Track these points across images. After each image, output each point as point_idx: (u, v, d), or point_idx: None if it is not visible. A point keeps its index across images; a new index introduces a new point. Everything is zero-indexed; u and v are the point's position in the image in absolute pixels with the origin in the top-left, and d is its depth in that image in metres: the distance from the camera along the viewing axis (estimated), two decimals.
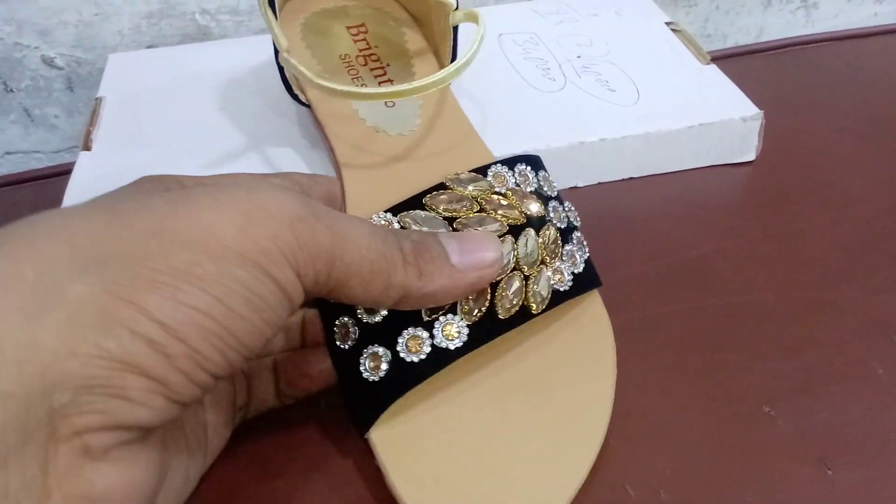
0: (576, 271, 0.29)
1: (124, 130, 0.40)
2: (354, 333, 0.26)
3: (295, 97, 0.37)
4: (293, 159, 0.38)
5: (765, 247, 0.36)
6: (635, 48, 0.45)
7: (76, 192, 0.37)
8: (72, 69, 0.50)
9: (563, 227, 0.29)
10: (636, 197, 0.39)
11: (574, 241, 0.30)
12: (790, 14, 0.60)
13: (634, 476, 0.26)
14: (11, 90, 0.50)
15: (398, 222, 0.27)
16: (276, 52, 0.35)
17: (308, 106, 0.37)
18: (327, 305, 0.27)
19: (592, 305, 0.30)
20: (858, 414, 0.28)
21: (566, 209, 0.30)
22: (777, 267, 0.35)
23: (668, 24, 0.47)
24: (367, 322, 0.26)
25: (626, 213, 0.38)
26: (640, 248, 0.36)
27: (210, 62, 0.45)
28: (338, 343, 0.26)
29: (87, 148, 0.39)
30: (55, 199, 0.36)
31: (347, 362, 0.26)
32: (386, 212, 0.27)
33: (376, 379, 0.25)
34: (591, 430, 0.26)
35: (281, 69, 0.36)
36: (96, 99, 0.43)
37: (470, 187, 0.28)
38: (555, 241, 0.28)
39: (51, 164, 0.53)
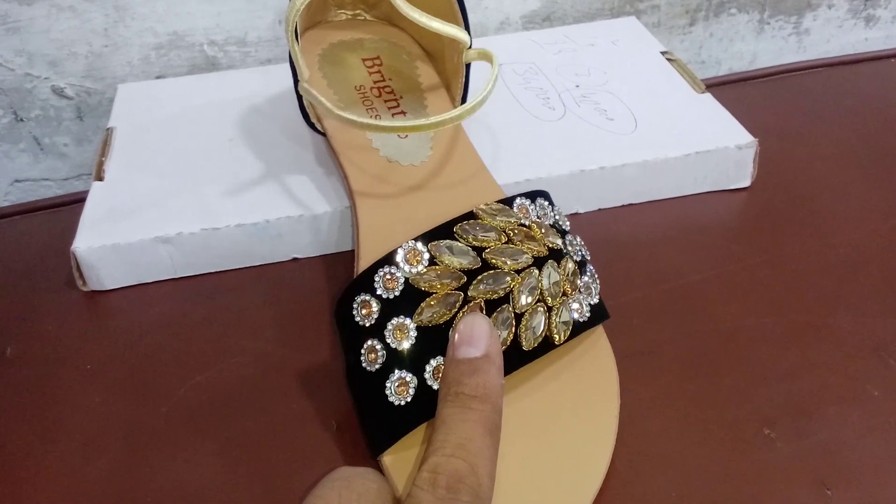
0: (592, 302, 0.30)
1: (136, 160, 0.41)
2: (382, 357, 0.27)
3: (311, 125, 0.38)
4: (307, 186, 0.39)
5: (761, 271, 0.37)
6: (632, 77, 0.46)
7: (90, 222, 0.37)
8: (81, 99, 0.51)
9: (578, 259, 0.30)
10: (635, 223, 0.40)
11: (588, 274, 0.31)
12: (782, 40, 0.62)
13: (640, 498, 0.27)
14: (21, 119, 0.51)
15: (428, 251, 0.28)
16: (295, 80, 0.36)
17: (323, 134, 0.38)
18: (350, 326, 0.28)
19: (598, 338, 0.31)
20: (855, 435, 0.29)
21: (579, 243, 0.32)
22: (773, 291, 0.36)
23: (663, 53, 0.49)
24: (394, 347, 0.27)
25: (625, 239, 0.39)
26: (639, 273, 0.37)
27: (218, 92, 0.47)
28: (364, 366, 0.27)
29: (99, 178, 0.40)
30: (68, 228, 0.37)
31: (372, 385, 0.27)
32: (415, 240, 0.28)
33: (402, 403, 0.26)
34: (596, 459, 0.27)
35: (300, 97, 0.37)
36: (107, 129, 0.44)
37: (498, 218, 0.29)
38: (574, 274, 0.29)
39: (60, 192, 0.54)
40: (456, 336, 0.26)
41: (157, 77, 0.51)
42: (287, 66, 0.48)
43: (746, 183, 0.42)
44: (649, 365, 0.32)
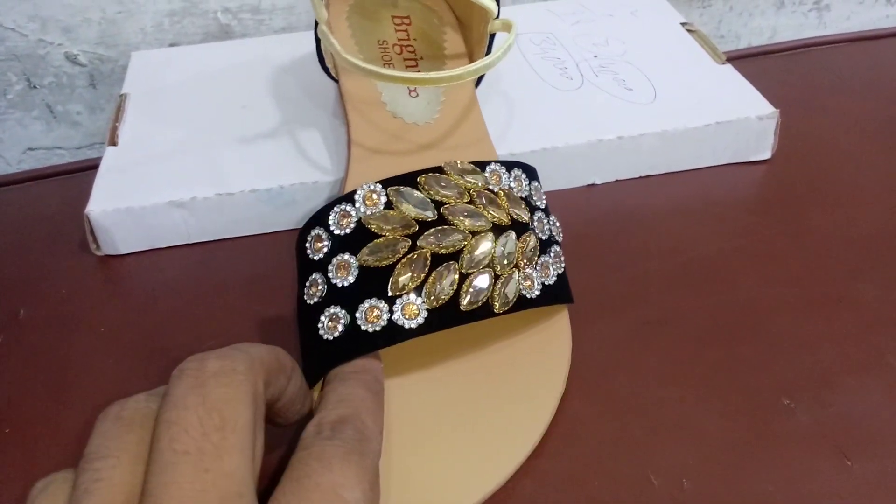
0: (546, 283, 0.29)
1: (150, 125, 0.41)
2: (322, 292, 0.27)
3: (326, 70, 0.39)
4: (321, 154, 0.38)
5: (780, 243, 0.36)
6: (651, 48, 0.46)
7: (104, 185, 0.37)
8: (94, 66, 0.51)
9: (543, 238, 0.30)
10: (653, 194, 0.40)
11: (551, 254, 0.30)
12: (802, 16, 0.61)
13: (657, 465, 0.27)
14: (35, 87, 0.51)
15: (385, 195, 0.28)
16: (316, 25, 0.36)
17: (336, 81, 0.38)
18: (302, 259, 0.28)
19: (559, 321, 0.31)
20: (875, 406, 0.29)
21: (550, 222, 0.31)
22: (792, 263, 0.35)
23: (683, 24, 0.48)
24: (334, 283, 0.27)
25: (643, 211, 0.39)
26: (657, 245, 0.36)
27: (232, 60, 0.46)
28: (305, 298, 0.28)
29: (112, 143, 0.40)
30: (82, 194, 0.37)
31: (309, 317, 0.27)
32: (376, 183, 0.28)
33: (330, 338, 0.26)
34: (524, 435, 0.27)
35: (318, 42, 0.37)
36: (120, 95, 0.44)
37: (466, 178, 0.29)
38: (532, 249, 0.29)
39: (72, 160, 0.53)
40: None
41: (171, 45, 0.51)
42: (301, 34, 0.48)
43: (767, 155, 0.41)
44: (665, 334, 0.32)
